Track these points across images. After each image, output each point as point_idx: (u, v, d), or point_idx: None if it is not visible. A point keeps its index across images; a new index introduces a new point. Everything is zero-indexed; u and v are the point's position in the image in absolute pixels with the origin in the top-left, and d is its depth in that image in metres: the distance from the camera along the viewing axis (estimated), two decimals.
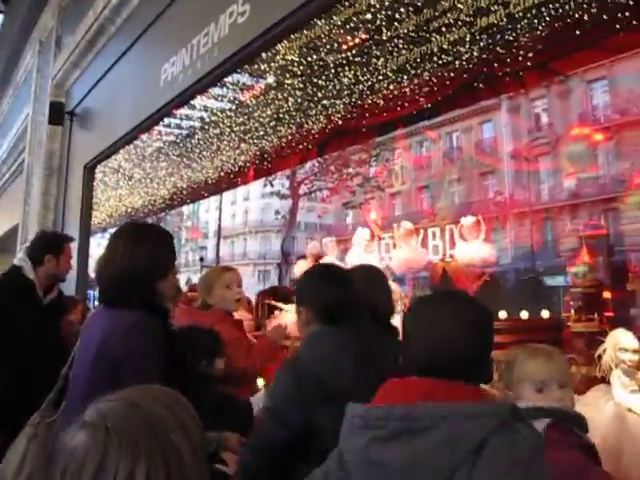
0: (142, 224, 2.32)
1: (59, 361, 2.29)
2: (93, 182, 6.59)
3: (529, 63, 4.84)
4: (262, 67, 5.61)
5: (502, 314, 5.05)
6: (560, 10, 4.10)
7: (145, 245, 1.99)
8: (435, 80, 5.57)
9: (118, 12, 5.66)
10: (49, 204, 7.12)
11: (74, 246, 3.71)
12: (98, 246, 7.67)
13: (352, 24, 4.84)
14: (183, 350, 2.15)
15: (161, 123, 6.19)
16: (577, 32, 4.24)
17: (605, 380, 3.03)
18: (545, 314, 5.10)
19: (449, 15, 4.40)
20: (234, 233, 39.11)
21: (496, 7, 4.22)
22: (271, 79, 6.05)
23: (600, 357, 3.07)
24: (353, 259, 6.42)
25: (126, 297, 1.94)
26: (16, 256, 3.64)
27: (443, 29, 4.66)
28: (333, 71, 5.96)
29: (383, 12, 4.60)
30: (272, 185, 21.88)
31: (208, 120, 7.63)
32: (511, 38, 4.64)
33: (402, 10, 4.58)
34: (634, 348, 2.94)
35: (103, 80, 6.15)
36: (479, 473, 1.05)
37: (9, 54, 9.40)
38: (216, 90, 6.13)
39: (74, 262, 3.66)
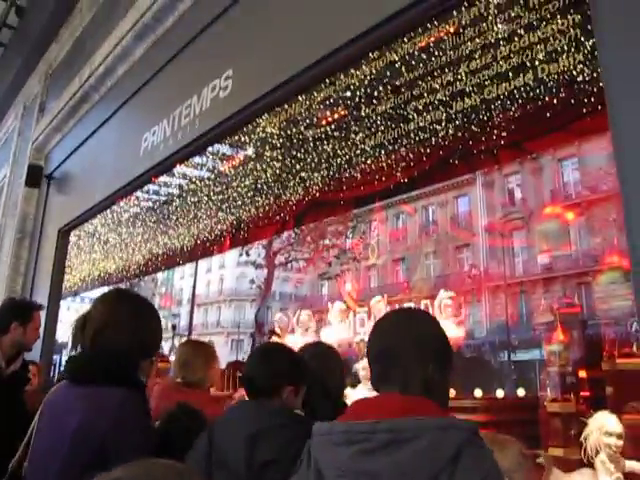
0: (136, 295, 2.16)
1: (21, 435, 2.16)
2: (67, 247, 6.51)
3: (502, 142, 4.96)
4: (242, 139, 5.69)
5: (477, 392, 4.99)
6: (531, 93, 4.26)
7: (148, 319, 1.93)
8: (412, 156, 5.68)
9: (103, 81, 5.76)
10: (19, 268, 7.00)
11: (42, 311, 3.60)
12: (68, 309, 7.52)
13: (332, 100, 4.96)
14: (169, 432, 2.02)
15: (139, 190, 6.19)
16: (547, 114, 4.39)
17: (589, 464, 2.98)
18: (521, 392, 5.05)
19: (426, 96, 4.53)
20: (208, 301, 38.68)
21: (472, 91, 4.38)
22: (250, 150, 6.13)
23: (585, 440, 3.02)
24: (329, 333, 6.36)
25: (117, 373, 1.84)
26: None
27: (420, 108, 4.79)
28: (312, 144, 6.06)
29: (362, 90, 4.73)
30: (248, 254, 21.86)
31: (186, 188, 7.66)
32: (485, 118, 4.78)
33: (381, 89, 4.71)
34: (618, 433, 2.91)
35: (83, 146, 6.18)
36: None
37: None
38: (196, 159, 6.19)
39: (41, 328, 3.55)
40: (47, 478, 1.79)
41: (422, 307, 6.41)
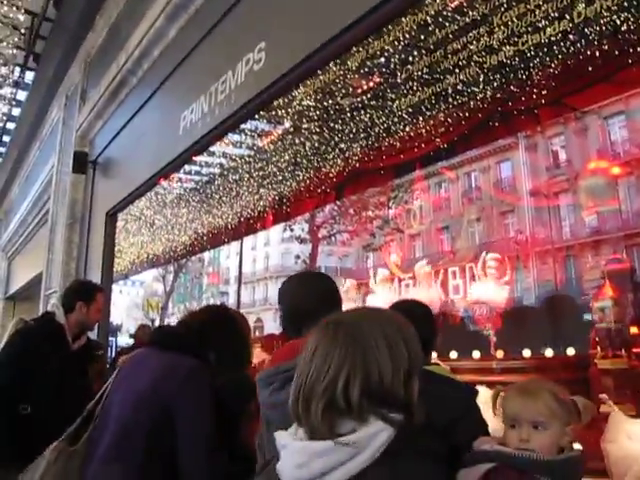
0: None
1: (85, 406, 2.31)
2: (115, 229, 6.68)
3: (543, 100, 4.87)
4: (279, 113, 5.72)
5: (526, 352, 4.96)
6: (571, 47, 4.15)
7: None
8: (450, 120, 5.63)
9: (139, 64, 5.85)
10: (72, 252, 7.22)
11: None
12: (120, 293, 7.75)
13: (366, 68, 4.94)
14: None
15: (181, 170, 6.30)
16: (589, 68, 4.28)
17: None
18: (570, 351, 5.00)
19: (461, 55, 4.47)
20: (255, 278, 39.20)
21: (507, 46, 4.29)
22: (288, 124, 6.16)
23: None
24: (374, 301, 6.40)
25: (192, 345, 2.05)
26: (49, 302, 3.74)
27: (456, 70, 4.73)
28: (349, 114, 6.05)
29: (396, 55, 4.69)
30: (292, 230, 21.99)
31: (227, 166, 7.76)
32: (524, 76, 4.68)
33: (415, 52, 4.67)
34: None
35: (125, 129, 6.31)
36: None
37: (38, 109, 9.70)
38: (234, 137, 6.25)
39: None
40: (116, 421, 1.98)
41: (466, 270, 6.39)
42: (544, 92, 4.80)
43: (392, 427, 1.06)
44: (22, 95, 9.56)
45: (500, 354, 5.24)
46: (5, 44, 7.55)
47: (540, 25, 3.84)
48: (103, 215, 6.57)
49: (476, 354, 5.37)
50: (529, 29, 3.96)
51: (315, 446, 1.07)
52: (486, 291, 5.89)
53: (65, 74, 8.48)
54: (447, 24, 4.18)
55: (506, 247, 20.99)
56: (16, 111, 10.12)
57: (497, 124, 5.44)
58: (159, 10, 5.16)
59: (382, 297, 6.52)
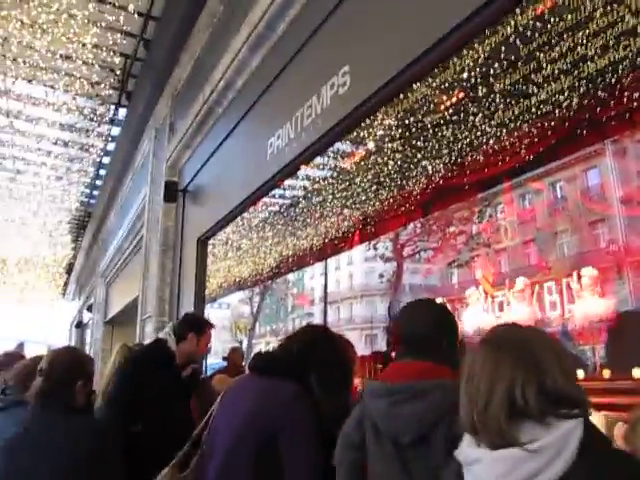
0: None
1: (188, 433, 2.40)
2: (206, 255, 6.89)
3: (635, 104, 4.67)
4: (362, 133, 5.76)
5: (637, 372, 4.68)
6: None
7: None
8: (535, 131, 5.49)
9: (224, 94, 6.06)
10: (166, 278, 7.51)
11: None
12: (207, 315, 7.95)
13: (447, 84, 4.90)
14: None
15: (267, 194, 6.43)
16: None
17: None
18: None
19: (545, 67, 4.37)
20: (339, 298, 39.28)
21: (595, 54, 4.15)
22: (371, 145, 6.19)
23: None
24: (467, 320, 6.26)
25: (294, 371, 2.08)
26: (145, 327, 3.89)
27: (540, 80, 4.62)
28: (431, 131, 6.01)
29: (478, 70, 4.63)
30: (375, 249, 21.93)
31: (311, 188, 7.88)
32: (613, 81, 4.51)
33: (497, 66, 4.60)
34: None
35: (212, 158, 6.52)
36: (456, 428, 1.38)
37: (130, 143, 10.21)
38: (318, 159, 6.34)
39: None
40: (221, 448, 2.04)
41: (563, 286, 6.13)
42: (636, 95, 4.60)
43: (581, 424, 1.16)
44: (116, 131, 10.10)
45: (607, 373, 4.96)
46: (103, 86, 8.02)
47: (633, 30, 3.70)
48: (194, 241, 6.80)
49: (579, 374, 5.09)
50: (619, 37, 3.83)
51: (514, 454, 1.14)
52: (586, 306, 5.63)
53: (154, 109, 8.90)
54: (530, 36, 4.09)
55: (599, 258, 20.09)
56: (111, 146, 10.69)
57: (585, 132, 5.25)
58: (241, 42, 5.33)
59: (476, 315, 6.36)
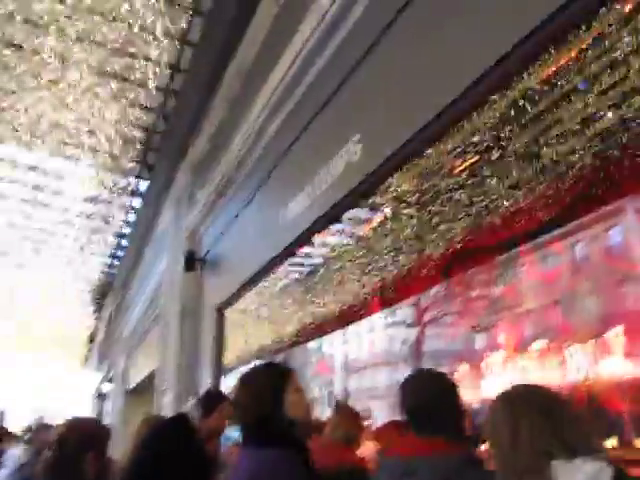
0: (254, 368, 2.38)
1: None
2: (224, 324, 6.88)
3: None
4: (377, 200, 5.80)
5: None
6: None
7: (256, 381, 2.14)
8: (551, 192, 5.48)
9: (242, 163, 6.20)
10: (184, 348, 7.48)
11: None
12: (225, 386, 7.87)
13: (460, 148, 4.95)
14: None
15: (284, 262, 6.45)
16: None
17: None
18: None
19: (556, 128, 4.39)
20: (361, 366, 38.65)
21: (605, 112, 4.18)
22: (387, 210, 6.22)
23: None
24: (490, 386, 6.10)
25: (266, 437, 2.02)
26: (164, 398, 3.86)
27: (552, 141, 4.65)
28: (446, 195, 6.04)
29: (488, 133, 4.68)
30: (396, 315, 21.72)
31: (328, 256, 7.90)
32: (624, 139, 4.52)
33: (508, 128, 4.64)
34: None
35: (230, 226, 6.61)
36: None
37: (150, 213, 10.40)
38: (334, 226, 6.38)
39: None
40: None
41: (589, 347, 5.97)
42: None
43: (609, 466, 1.29)
44: (137, 202, 10.31)
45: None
46: (124, 159, 8.27)
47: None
48: (212, 310, 6.81)
49: (610, 442, 4.79)
50: (628, 95, 3.85)
51: None
52: (615, 368, 5.45)
53: (174, 179, 9.09)
54: (538, 99, 4.15)
55: (627, 318, 19.64)
56: (132, 217, 10.90)
57: (601, 191, 5.22)
58: (259, 109, 5.50)
59: (499, 381, 6.20)
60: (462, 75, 2.82)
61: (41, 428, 5.10)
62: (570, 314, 23.52)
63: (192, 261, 7.41)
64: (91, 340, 20.14)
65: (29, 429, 6.39)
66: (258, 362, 2.27)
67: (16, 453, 4.89)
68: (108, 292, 15.43)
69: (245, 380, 2.16)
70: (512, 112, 4.32)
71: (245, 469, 2.01)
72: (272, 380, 2.10)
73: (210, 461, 3.48)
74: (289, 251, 5.15)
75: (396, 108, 3.41)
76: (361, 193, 3.98)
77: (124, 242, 12.15)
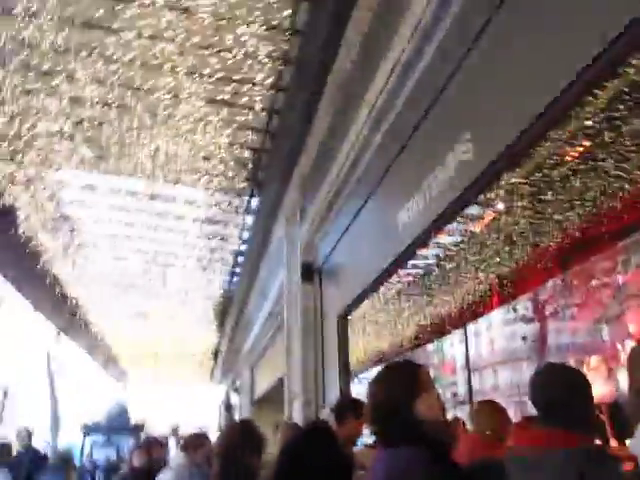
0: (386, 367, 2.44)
1: None
2: (347, 331, 7.05)
3: None
4: (489, 195, 5.75)
5: None
6: None
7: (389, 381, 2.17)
8: None
9: (351, 174, 6.35)
10: (309, 356, 7.71)
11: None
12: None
13: (571, 135, 4.83)
14: None
15: (402, 267, 6.52)
16: None
17: None
18: None
19: None
20: (482, 365, 37.71)
21: None
22: (500, 205, 6.14)
23: None
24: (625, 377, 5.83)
25: (396, 435, 2.05)
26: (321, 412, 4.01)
27: None
28: (559, 184, 5.88)
29: (602, 115, 4.54)
30: (515, 311, 21.08)
31: (442, 255, 7.87)
32: None
33: (622, 107, 4.49)
34: None
35: (345, 235, 6.78)
36: None
37: (263, 229, 10.80)
38: (447, 225, 6.38)
39: None
40: None
41: None
42: None
43: None
44: (250, 219, 10.73)
45: None
46: (236, 180, 8.68)
47: None
48: (334, 318, 6.99)
49: None
50: None
51: None
52: None
53: (284, 194, 9.40)
54: None
55: None
56: (246, 234, 11.36)
57: None
58: (362, 122, 5.64)
59: None
60: (568, 63, 2.81)
61: (193, 437, 5.48)
62: None
63: (309, 272, 7.65)
64: (215, 355, 21.05)
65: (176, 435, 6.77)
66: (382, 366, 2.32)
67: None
68: (228, 309, 16.10)
69: (377, 379, 2.21)
70: (626, 88, 4.20)
71: (380, 469, 2.06)
72: (404, 378, 2.12)
73: (350, 467, 3.59)
74: (407, 254, 5.24)
75: (503, 104, 3.43)
76: (475, 191, 3.99)
77: (240, 259, 12.66)
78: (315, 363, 7.57)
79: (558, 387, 2.17)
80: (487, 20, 3.63)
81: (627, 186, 5.63)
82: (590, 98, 4.16)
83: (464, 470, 2.27)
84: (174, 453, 5.35)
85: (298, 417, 7.43)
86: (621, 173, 5.49)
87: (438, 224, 4.48)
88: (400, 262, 5.50)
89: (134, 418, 16.32)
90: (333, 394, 7.00)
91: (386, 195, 5.53)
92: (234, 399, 21.37)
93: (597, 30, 2.69)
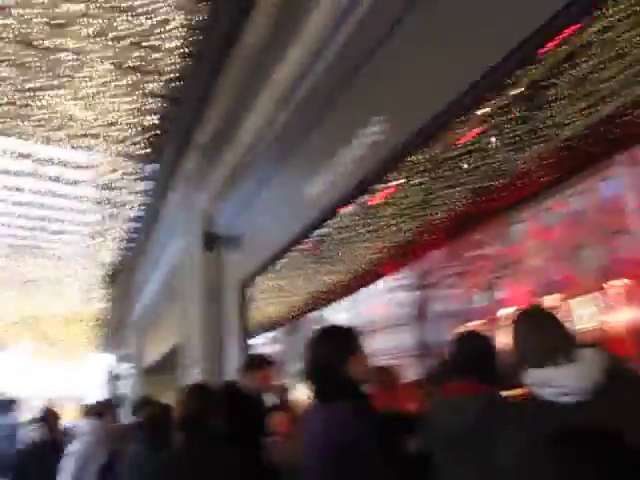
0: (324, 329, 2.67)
1: None
2: (248, 298, 7.21)
3: None
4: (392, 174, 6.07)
5: None
6: None
7: (326, 344, 2.43)
8: (549, 157, 5.74)
9: (257, 144, 6.43)
10: (210, 323, 7.82)
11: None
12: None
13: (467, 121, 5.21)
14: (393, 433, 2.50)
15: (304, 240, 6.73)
16: None
17: None
18: None
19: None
20: (365, 330, 39.08)
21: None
22: (400, 181, 6.49)
23: None
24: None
25: (331, 392, 2.31)
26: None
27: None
28: (450, 164, 6.30)
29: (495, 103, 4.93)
30: (399, 279, 22.00)
31: (337, 225, 8.16)
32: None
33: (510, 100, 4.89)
34: None
35: (248, 205, 6.86)
36: None
37: (159, 196, 10.59)
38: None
39: None
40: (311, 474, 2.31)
41: (592, 299, 6.29)
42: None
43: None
44: (146, 185, 10.48)
45: None
46: (136, 146, 8.50)
47: None
48: (236, 286, 7.13)
49: None
50: None
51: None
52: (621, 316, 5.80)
53: (183, 162, 9.25)
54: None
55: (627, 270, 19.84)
56: (141, 200, 11.11)
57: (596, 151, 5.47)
58: (270, 96, 5.76)
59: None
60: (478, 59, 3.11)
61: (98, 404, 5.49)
62: (571, 267, 23.60)
63: (211, 240, 7.69)
64: (101, 323, 20.47)
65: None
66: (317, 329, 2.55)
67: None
68: (118, 276, 15.71)
69: (316, 342, 2.45)
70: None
71: (318, 421, 2.28)
72: (340, 341, 2.41)
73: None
74: (312, 227, 5.46)
75: (416, 87, 3.68)
76: (384, 171, 4.27)
77: (134, 226, 12.38)
78: (216, 330, 7.69)
79: (474, 350, 2.79)
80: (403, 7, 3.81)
81: (504, 167, 6.15)
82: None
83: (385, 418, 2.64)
84: (81, 422, 5.32)
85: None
86: (504, 155, 6.00)
87: (347, 199, 4.72)
88: (304, 234, 5.71)
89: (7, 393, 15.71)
90: (233, 359, 7.17)
91: (297, 167, 5.67)
92: (121, 368, 20.91)
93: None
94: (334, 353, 2.35)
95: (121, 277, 15.87)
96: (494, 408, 2.47)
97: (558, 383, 1.94)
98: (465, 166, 6.36)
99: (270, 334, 7.67)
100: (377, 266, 9.47)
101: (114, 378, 21.02)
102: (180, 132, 8.53)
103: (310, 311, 13.61)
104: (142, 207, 11.33)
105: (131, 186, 10.25)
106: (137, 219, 11.96)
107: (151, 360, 14.74)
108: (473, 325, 7.69)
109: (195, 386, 3.57)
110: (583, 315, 6.76)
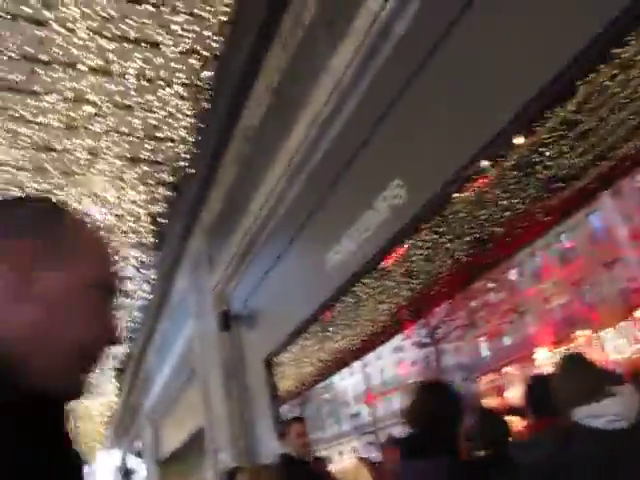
0: None
1: None
2: (274, 374, 7.15)
3: None
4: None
5: None
6: None
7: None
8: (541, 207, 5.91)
9: (266, 222, 6.55)
10: (234, 404, 7.72)
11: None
12: None
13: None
14: None
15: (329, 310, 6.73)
16: None
17: None
18: None
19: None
20: (375, 394, 38.38)
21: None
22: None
23: None
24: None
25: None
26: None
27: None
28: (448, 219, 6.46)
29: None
30: (409, 337, 21.84)
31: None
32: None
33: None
34: None
35: (264, 281, 6.88)
36: None
37: (165, 281, 10.65)
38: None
39: None
40: None
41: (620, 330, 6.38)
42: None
43: None
44: (150, 273, 10.57)
45: None
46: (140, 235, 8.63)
47: None
48: (260, 363, 7.09)
49: None
50: None
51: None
52: None
53: (188, 245, 9.35)
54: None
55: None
56: (145, 287, 11.16)
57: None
58: (279, 173, 5.92)
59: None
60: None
61: None
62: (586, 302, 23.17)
63: (227, 320, 7.70)
64: (111, 417, 20.05)
65: None
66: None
67: None
68: (127, 366, 15.55)
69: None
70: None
71: None
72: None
73: None
74: (333, 299, 5.52)
75: (434, 150, 3.83)
76: (407, 234, 4.37)
77: (143, 314, 12.37)
78: (241, 409, 7.60)
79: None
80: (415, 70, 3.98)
81: (511, 214, 6.32)
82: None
83: None
84: None
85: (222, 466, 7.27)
86: (506, 203, 6.17)
87: (372, 265, 4.82)
88: (326, 304, 5.75)
89: None
90: (265, 436, 7.05)
91: (312, 238, 5.72)
92: (133, 462, 20.26)
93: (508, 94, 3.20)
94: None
95: (130, 367, 15.69)
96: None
97: (615, 412, 2.22)
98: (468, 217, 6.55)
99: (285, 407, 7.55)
100: (389, 326, 9.50)
101: (125, 474, 20.34)
102: (185, 216, 8.70)
103: (322, 380, 13.48)
104: (150, 295, 11.37)
105: (138, 275, 10.33)
106: (144, 308, 11.97)
107: (168, 450, 14.36)
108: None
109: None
110: (616, 346, 6.83)
